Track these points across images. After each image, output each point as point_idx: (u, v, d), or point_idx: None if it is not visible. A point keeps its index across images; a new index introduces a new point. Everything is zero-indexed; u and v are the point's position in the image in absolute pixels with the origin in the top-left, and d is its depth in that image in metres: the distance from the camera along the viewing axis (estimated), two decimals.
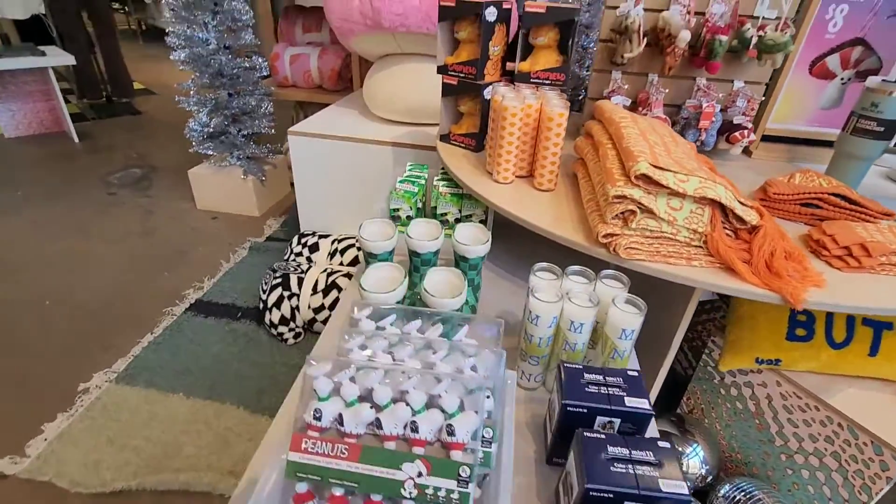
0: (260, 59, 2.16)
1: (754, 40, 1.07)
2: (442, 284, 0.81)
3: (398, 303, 0.77)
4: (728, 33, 1.05)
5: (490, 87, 1.16)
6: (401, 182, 1.17)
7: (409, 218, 1.18)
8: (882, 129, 1.03)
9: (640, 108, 1.22)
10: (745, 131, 1.15)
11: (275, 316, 1.52)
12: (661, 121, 1.15)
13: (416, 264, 0.92)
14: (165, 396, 1.37)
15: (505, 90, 1.05)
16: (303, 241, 1.76)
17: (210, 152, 2.25)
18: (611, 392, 0.62)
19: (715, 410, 1.17)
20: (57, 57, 2.93)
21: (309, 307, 1.52)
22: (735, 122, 1.17)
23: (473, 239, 0.91)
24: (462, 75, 1.17)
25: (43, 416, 1.29)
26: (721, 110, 1.20)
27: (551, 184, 1.04)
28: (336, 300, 1.51)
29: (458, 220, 1.18)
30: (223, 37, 2.06)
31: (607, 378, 0.64)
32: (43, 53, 2.88)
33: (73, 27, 3.36)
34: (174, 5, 1.97)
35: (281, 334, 1.54)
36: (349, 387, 0.55)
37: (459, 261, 0.91)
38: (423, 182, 1.20)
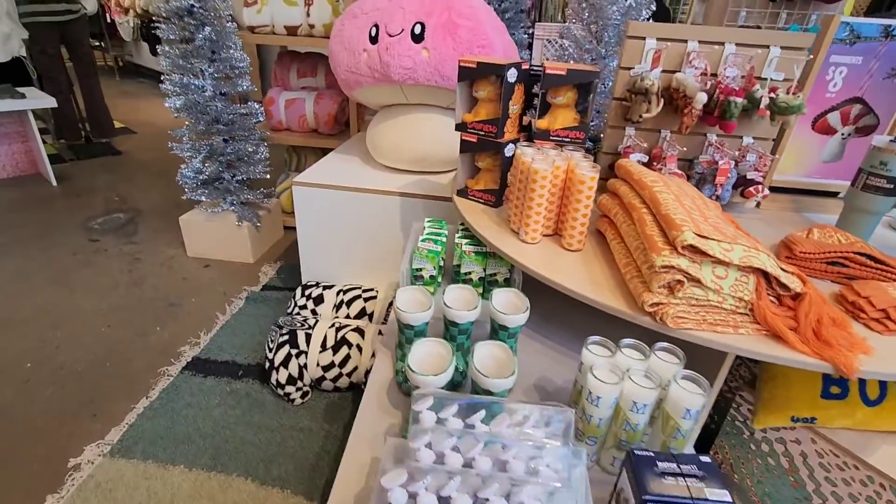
0: (256, 105, 2.14)
1: (766, 101, 1.11)
2: (489, 360, 0.78)
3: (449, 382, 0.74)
4: (742, 95, 1.08)
5: (510, 144, 1.17)
6: (422, 241, 1.15)
7: (432, 278, 1.15)
8: (891, 185, 1.07)
9: (655, 164, 1.24)
10: (759, 186, 1.17)
11: (282, 375, 1.45)
12: (678, 177, 1.17)
13: (454, 333, 0.89)
14: (165, 469, 1.27)
15: (531, 151, 1.05)
16: (306, 292, 1.70)
17: (203, 199, 2.19)
18: (689, 483, 0.59)
19: (745, 466, 1.15)
20: (37, 99, 2.84)
21: (318, 365, 1.46)
22: (748, 177, 1.20)
23: (512, 306, 0.89)
24: (482, 133, 1.17)
25: (31, 500, 1.18)
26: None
27: (580, 244, 1.03)
28: (347, 357, 1.46)
29: (482, 279, 1.16)
30: (220, 84, 2.04)
31: (682, 466, 0.62)
32: (22, 96, 2.79)
33: (53, 68, 3.28)
34: (171, 54, 1.94)
35: (288, 394, 1.46)
36: (426, 497, 0.51)
37: (498, 329, 0.88)
38: (444, 239, 1.18)
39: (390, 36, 1.48)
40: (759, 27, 2.67)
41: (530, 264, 0.98)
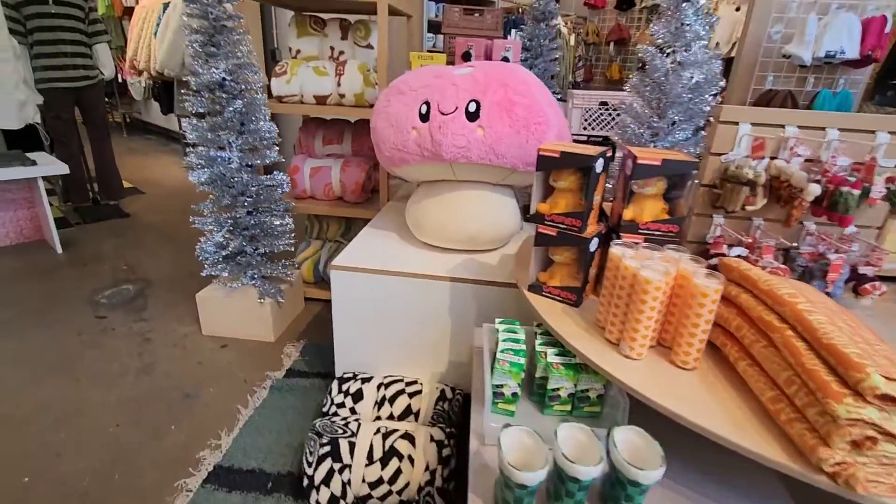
0: (283, 176, 2.04)
1: (880, 191, 1.00)
2: None
3: None
4: (860, 188, 0.98)
5: (594, 239, 1.05)
6: (502, 352, 1.00)
7: (514, 395, 0.99)
8: None
9: (750, 255, 1.12)
10: (877, 283, 1.05)
11: (323, 496, 1.25)
12: (783, 272, 1.04)
13: (571, 490, 0.72)
14: None
15: (630, 253, 0.92)
16: (343, 387, 1.53)
17: (224, 274, 2.04)
18: None
19: None
20: (48, 166, 2.74)
21: (363, 480, 1.27)
22: (860, 271, 1.07)
23: (640, 453, 0.73)
24: (563, 227, 1.05)
25: None
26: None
27: (696, 362, 0.88)
28: (397, 471, 1.27)
29: (571, 396, 1.00)
30: (246, 155, 1.94)
31: None
32: (33, 163, 2.69)
33: (66, 132, 3.21)
34: (199, 127, 1.85)
35: None
36: None
37: (627, 484, 0.72)
38: (523, 347, 1.03)
39: (443, 114, 1.39)
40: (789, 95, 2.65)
41: (641, 388, 0.83)
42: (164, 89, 4.79)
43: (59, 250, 2.90)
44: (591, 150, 1.04)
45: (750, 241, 1.13)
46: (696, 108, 1.38)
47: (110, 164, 3.53)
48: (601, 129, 2.02)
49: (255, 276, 2.11)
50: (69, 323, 2.19)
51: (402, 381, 1.55)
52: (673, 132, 1.42)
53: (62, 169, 2.78)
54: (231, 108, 1.84)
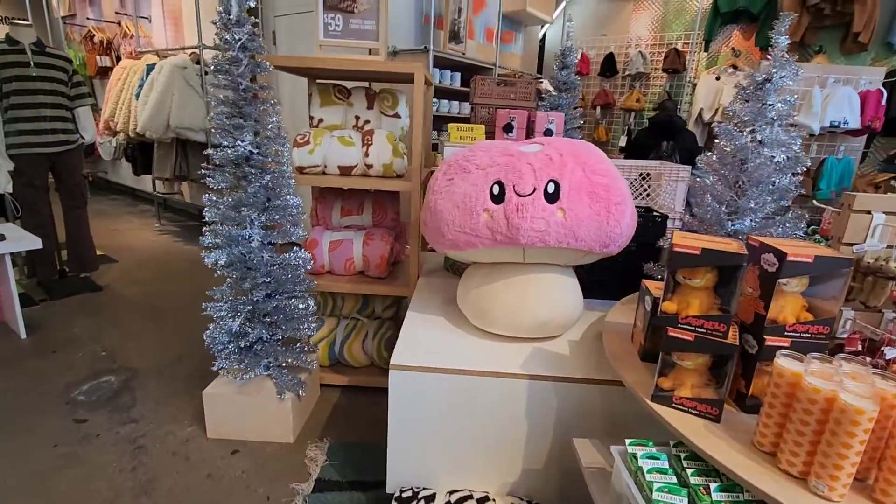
0: (305, 254, 1.85)
1: None
2: None
3: None
4: None
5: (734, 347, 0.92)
6: (658, 491, 0.83)
7: None
8: None
9: (881, 348, 1.02)
10: None
11: None
12: None
13: None
14: None
15: (813, 368, 0.79)
16: None
17: (237, 366, 1.79)
18: None
19: None
20: (18, 241, 2.43)
21: None
22: None
23: None
24: (703, 332, 0.92)
25: None
26: None
27: None
28: None
29: None
30: (269, 233, 1.75)
31: None
32: (1, 237, 2.38)
33: (38, 200, 2.91)
34: (219, 204, 1.66)
35: None
36: None
37: None
38: (674, 480, 0.87)
39: (520, 195, 1.28)
40: None
41: None
42: (141, 150, 4.55)
43: (23, 335, 2.53)
44: (733, 245, 0.93)
45: (885, 336, 1.04)
46: (779, 188, 1.32)
47: (85, 233, 3.21)
48: (639, 199, 1.97)
49: (271, 364, 1.87)
50: (41, 430, 1.84)
51: (471, 496, 1.33)
52: (755, 212, 1.35)
53: (34, 243, 2.47)
54: (257, 184, 1.67)
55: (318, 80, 2.11)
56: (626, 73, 4.77)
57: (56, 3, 6.08)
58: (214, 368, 1.76)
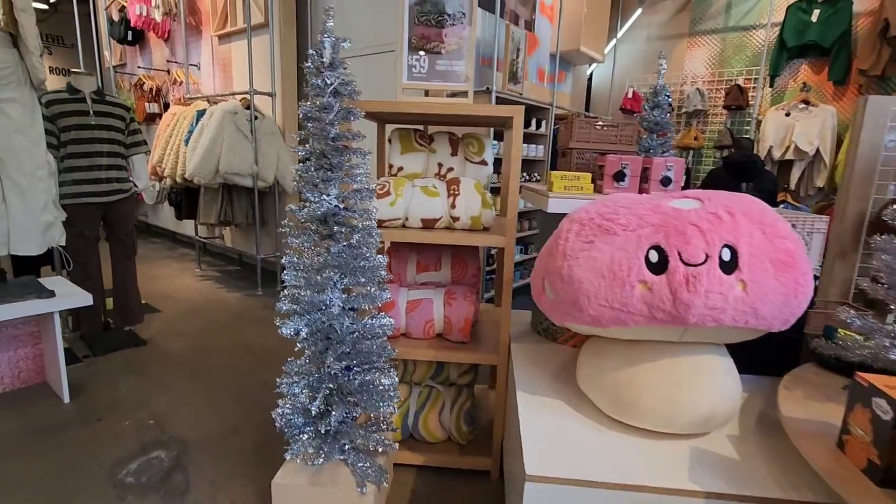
0: (386, 318, 1.62)
1: None
2: None
3: None
4: None
5: None
6: None
7: None
8: None
9: None
10: None
11: None
12: None
13: None
14: None
15: None
16: None
17: (310, 450, 1.54)
18: None
19: None
20: (70, 298, 2.28)
21: None
22: None
23: None
24: None
25: None
26: None
27: None
28: None
29: None
30: (351, 298, 1.54)
31: None
32: (51, 293, 2.24)
33: (86, 251, 2.79)
34: (299, 266, 1.47)
35: None
36: None
37: None
38: None
39: (689, 265, 1.03)
40: None
41: None
42: (186, 195, 4.49)
43: (66, 398, 2.34)
44: None
45: None
46: None
47: (131, 285, 3.07)
48: None
49: (347, 447, 1.61)
50: None
51: None
52: None
53: (85, 300, 2.32)
54: (344, 243, 1.47)
55: (398, 126, 1.95)
56: (683, 110, 4.57)
57: (108, 53, 6.28)
58: (287, 457, 1.52)
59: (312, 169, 1.43)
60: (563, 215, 1.29)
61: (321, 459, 1.58)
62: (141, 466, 1.90)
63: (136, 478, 1.84)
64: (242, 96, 4.01)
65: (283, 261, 1.50)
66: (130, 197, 2.92)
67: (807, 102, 3.86)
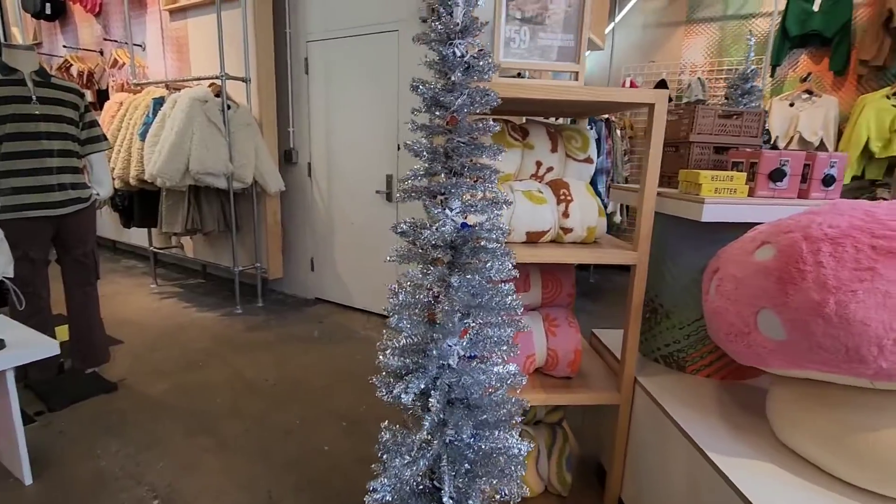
0: (514, 367, 1.26)
1: None
2: None
3: None
4: None
5: None
6: None
7: None
8: None
9: None
10: None
11: None
12: None
13: None
14: None
15: None
16: None
17: None
18: None
19: None
20: (27, 349, 1.70)
21: None
22: None
23: None
24: None
25: None
26: None
27: None
28: None
29: None
30: (474, 344, 1.16)
31: None
32: (2, 344, 1.65)
33: (35, 279, 2.17)
34: (412, 304, 1.07)
35: None
36: None
37: None
38: None
39: None
40: None
41: None
42: (141, 200, 3.79)
43: (29, 479, 1.76)
44: None
45: None
46: None
47: (94, 318, 2.45)
48: None
49: None
50: None
51: None
52: None
53: (49, 348, 1.74)
54: (472, 276, 1.09)
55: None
56: (684, 100, 4.47)
57: (18, 29, 5.27)
58: None
59: (441, 172, 1.03)
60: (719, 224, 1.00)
61: None
62: None
63: None
64: (211, 82, 3.40)
65: (388, 299, 1.09)
66: (90, 207, 2.30)
67: (810, 92, 3.85)
